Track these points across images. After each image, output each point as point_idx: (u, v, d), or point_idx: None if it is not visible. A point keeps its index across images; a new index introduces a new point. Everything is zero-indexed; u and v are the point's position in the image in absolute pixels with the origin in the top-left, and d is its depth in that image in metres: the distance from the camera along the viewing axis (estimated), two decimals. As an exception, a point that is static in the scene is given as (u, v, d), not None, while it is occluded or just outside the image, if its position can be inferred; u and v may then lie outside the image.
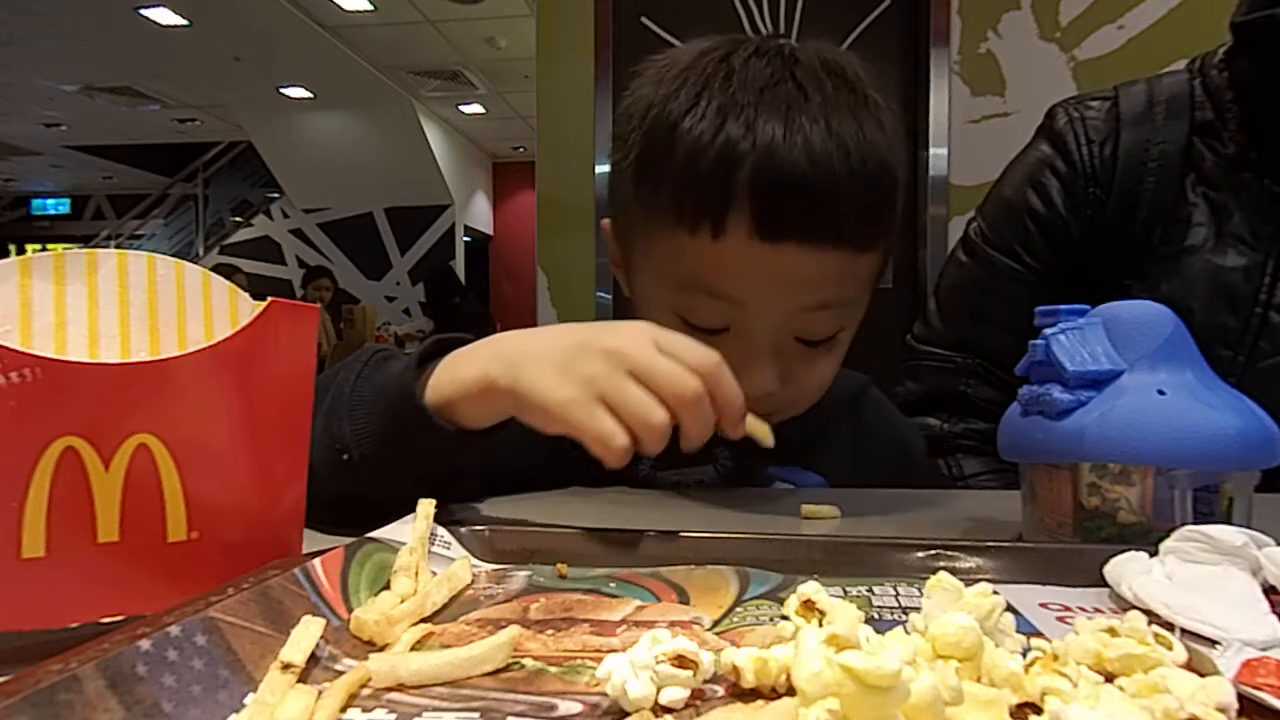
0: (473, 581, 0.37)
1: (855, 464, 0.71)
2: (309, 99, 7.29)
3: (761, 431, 0.50)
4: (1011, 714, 0.23)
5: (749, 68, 0.58)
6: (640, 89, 0.62)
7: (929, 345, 0.94)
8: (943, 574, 0.30)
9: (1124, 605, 0.33)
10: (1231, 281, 0.78)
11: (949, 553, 0.38)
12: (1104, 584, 0.35)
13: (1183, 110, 0.82)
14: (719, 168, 0.55)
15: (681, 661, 0.25)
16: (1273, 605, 0.30)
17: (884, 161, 0.57)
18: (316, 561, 0.33)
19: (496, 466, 0.62)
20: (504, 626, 0.29)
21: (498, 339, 0.49)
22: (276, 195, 8.85)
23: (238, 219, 9.20)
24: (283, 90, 7.07)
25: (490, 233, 9.87)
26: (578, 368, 0.44)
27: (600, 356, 0.44)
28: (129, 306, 0.34)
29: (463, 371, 0.48)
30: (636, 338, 0.45)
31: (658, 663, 0.24)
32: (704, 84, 0.58)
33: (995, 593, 0.29)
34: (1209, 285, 0.79)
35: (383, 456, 0.49)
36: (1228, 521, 0.41)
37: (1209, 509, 0.42)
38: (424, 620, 0.32)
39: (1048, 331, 0.46)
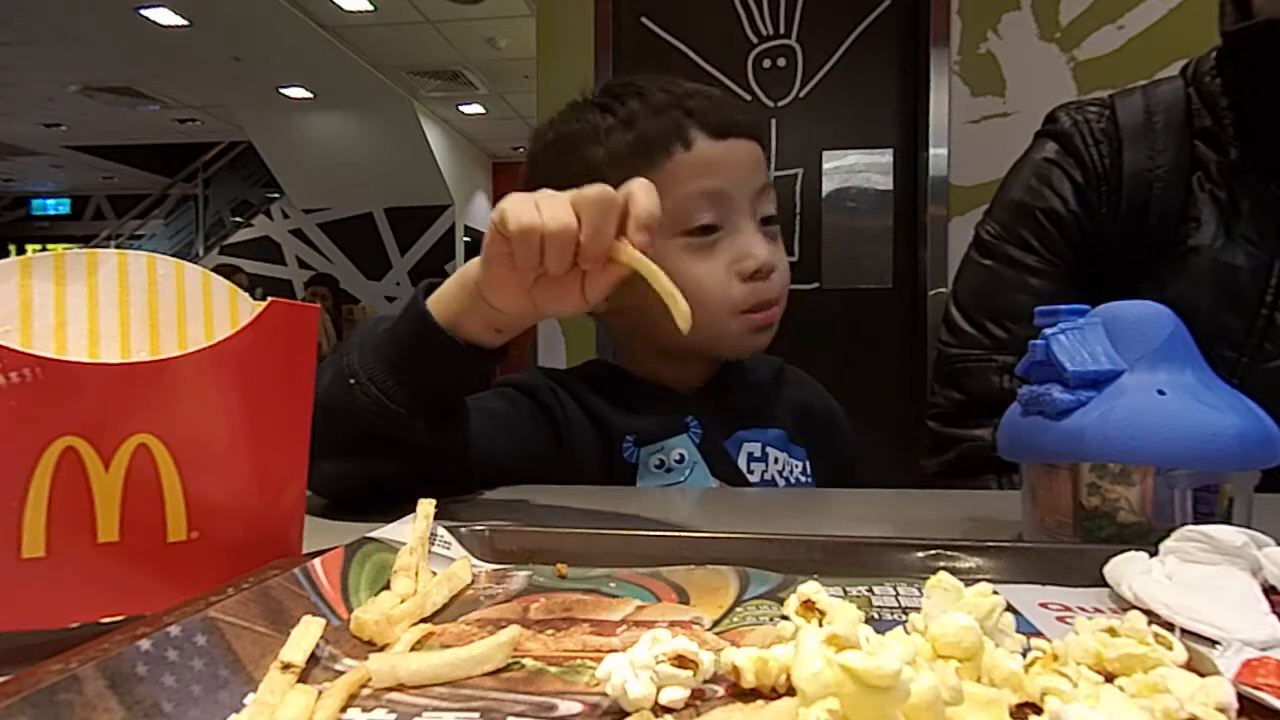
0: (473, 581, 0.37)
1: (798, 423, 0.82)
2: (309, 99, 7.27)
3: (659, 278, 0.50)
4: (1011, 714, 0.23)
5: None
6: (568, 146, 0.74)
7: (961, 349, 0.90)
8: (943, 574, 0.30)
9: (1124, 605, 0.33)
10: (1237, 282, 0.77)
11: (949, 553, 0.38)
12: (1104, 584, 0.35)
13: (1181, 120, 0.81)
14: (668, 105, 0.72)
15: (681, 661, 0.25)
16: (1273, 605, 0.30)
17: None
18: (316, 561, 0.33)
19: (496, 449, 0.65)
20: (504, 626, 0.29)
21: None
22: (276, 195, 8.83)
23: (238, 219, 9.18)
24: (283, 90, 7.06)
25: (490, 233, 9.85)
26: None
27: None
28: (129, 306, 0.34)
29: (452, 281, 0.55)
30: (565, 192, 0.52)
31: (658, 663, 0.24)
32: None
33: (995, 593, 0.29)
34: (1215, 284, 0.78)
35: (391, 378, 0.53)
36: (1228, 521, 0.41)
37: (1209, 509, 0.42)
38: (424, 620, 0.32)
39: (1048, 331, 0.46)
